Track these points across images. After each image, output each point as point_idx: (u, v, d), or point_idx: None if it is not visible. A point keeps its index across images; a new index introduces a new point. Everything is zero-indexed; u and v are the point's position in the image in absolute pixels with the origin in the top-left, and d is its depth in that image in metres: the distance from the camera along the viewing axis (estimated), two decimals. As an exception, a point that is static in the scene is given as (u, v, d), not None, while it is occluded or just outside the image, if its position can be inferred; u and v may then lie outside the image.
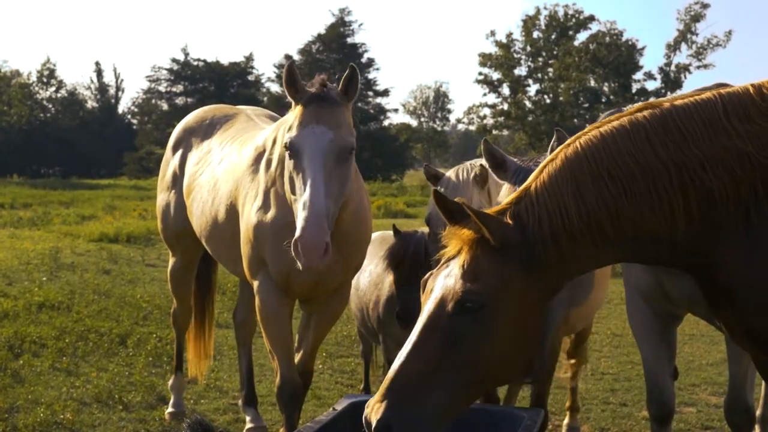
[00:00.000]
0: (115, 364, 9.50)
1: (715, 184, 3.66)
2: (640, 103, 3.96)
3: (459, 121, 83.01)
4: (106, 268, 16.16)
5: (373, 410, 3.58)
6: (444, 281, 3.70)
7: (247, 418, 7.58)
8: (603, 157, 3.72)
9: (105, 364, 9.50)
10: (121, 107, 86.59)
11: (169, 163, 7.85)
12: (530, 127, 62.49)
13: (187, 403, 8.23)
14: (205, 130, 7.59)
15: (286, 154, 5.51)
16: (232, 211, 6.51)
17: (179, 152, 7.69)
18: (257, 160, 6.37)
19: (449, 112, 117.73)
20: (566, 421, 7.86)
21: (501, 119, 65.01)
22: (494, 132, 66.22)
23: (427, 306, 3.70)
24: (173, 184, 7.69)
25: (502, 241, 3.64)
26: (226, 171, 6.76)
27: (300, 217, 5.19)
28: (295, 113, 5.59)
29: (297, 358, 6.58)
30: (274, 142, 6.28)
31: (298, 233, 5.12)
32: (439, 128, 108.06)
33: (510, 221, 3.70)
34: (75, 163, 70.44)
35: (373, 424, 3.55)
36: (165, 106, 74.49)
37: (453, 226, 3.78)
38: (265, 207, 6.09)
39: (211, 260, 8.00)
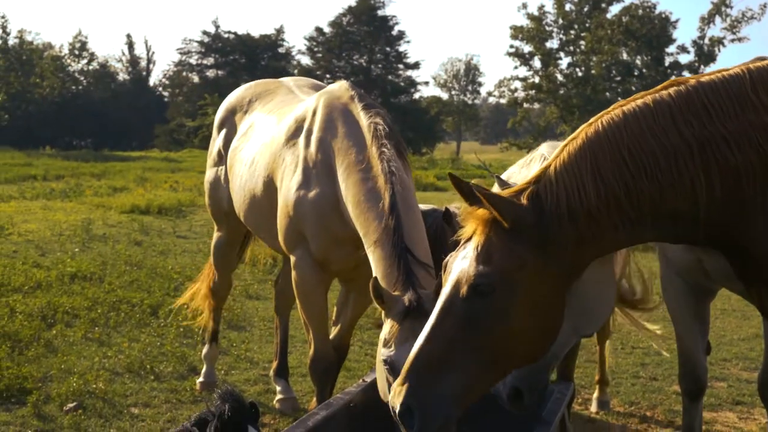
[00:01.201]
0: (146, 335, 9.57)
1: (740, 160, 3.61)
2: (666, 81, 3.91)
3: (490, 94, 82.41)
4: (138, 240, 16.26)
5: (396, 393, 3.60)
6: (460, 263, 3.69)
7: (278, 389, 7.64)
8: (624, 136, 3.68)
9: (137, 335, 9.57)
10: (153, 80, 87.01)
11: (215, 141, 7.94)
12: (561, 101, 61.95)
13: (217, 373, 8.29)
14: (247, 107, 7.65)
15: (384, 368, 4.89)
16: (270, 185, 6.53)
17: (223, 132, 7.77)
18: (297, 132, 6.37)
19: (480, 85, 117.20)
20: (596, 394, 7.85)
21: (532, 92, 64.47)
22: (525, 105, 65.79)
23: (445, 288, 3.70)
24: (219, 161, 7.78)
25: (514, 222, 3.60)
26: (263, 144, 6.77)
27: None
28: (388, 326, 4.93)
29: (333, 332, 6.63)
30: (315, 111, 6.27)
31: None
32: (470, 101, 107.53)
33: (526, 201, 3.66)
34: (107, 136, 70.77)
35: (397, 409, 3.57)
36: (196, 79, 74.62)
37: (469, 207, 3.76)
38: (306, 182, 6.09)
39: (249, 232, 8.04)
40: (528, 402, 4.70)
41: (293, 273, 6.32)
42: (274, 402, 7.55)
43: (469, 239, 3.74)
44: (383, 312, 4.92)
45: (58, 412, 7.18)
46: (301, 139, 6.24)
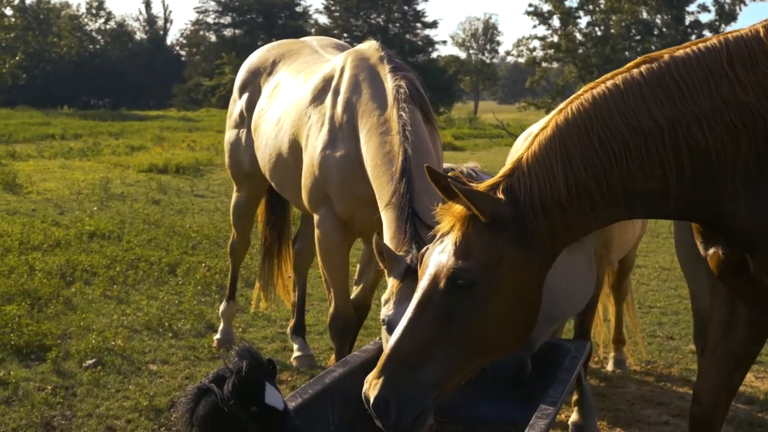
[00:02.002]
0: (164, 293, 9.62)
1: (711, 141, 3.55)
2: (639, 58, 3.81)
3: (508, 53, 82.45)
4: (156, 199, 16.31)
5: (371, 386, 3.60)
6: (438, 257, 3.66)
7: (295, 347, 7.68)
8: (593, 121, 3.61)
9: (155, 293, 9.63)
10: (170, 39, 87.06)
11: (236, 103, 7.88)
12: (580, 60, 61.50)
13: (235, 331, 8.34)
14: (271, 68, 7.56)
15: (383, 328, 4.96)
16: (296, 144, 6.50)
17: (246, 94, 7.69)
18: (324, 90, 6.33)
19: (498, 44, 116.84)
20: (612, 353, 7.85)
21: (551, 52, 63.99)
22: (544, 65, 65.41)
23: (422, 282, 3.68)
24: (241, 123, 7.74)
25: (492, 217, 3.57)
26: (290, 103, 6.73)
27: None
28: (389, 285, 4.98)
29: (355, 291, 6.65)
30: (342, 71, 6.24)
31: None
32: (488, 61, 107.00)
33: (501, 195, 3.62)
34: (124, 95, 70.78)
35: (371, 401, 3.57)
36: (213, 38, 74.52)
37: (446, 202, 3.73)
38: (332, 142, 6.07)
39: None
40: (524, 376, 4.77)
41: (316, 231, 6.31)
42: (291, 359, 7.59)
43: (446, 234, 3.70)
44: (386, 272, 4.93)
45: (77, 368, 7.24)
46: (328, 99, 6.21)
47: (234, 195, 8.18)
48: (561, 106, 3.79)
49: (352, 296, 6.60)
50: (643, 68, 3.70)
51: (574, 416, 6.23)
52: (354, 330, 6.48)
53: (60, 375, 7.08)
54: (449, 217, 3.69)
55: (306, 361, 7.56)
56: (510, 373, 4.77)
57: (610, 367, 7.76)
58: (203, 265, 10.79)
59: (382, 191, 5.47)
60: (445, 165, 6.80)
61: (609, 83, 3.70)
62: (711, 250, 4.01)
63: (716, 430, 4.57)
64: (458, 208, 3.66)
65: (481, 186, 3.71)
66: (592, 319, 6.27)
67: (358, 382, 4.62)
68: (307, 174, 6.24)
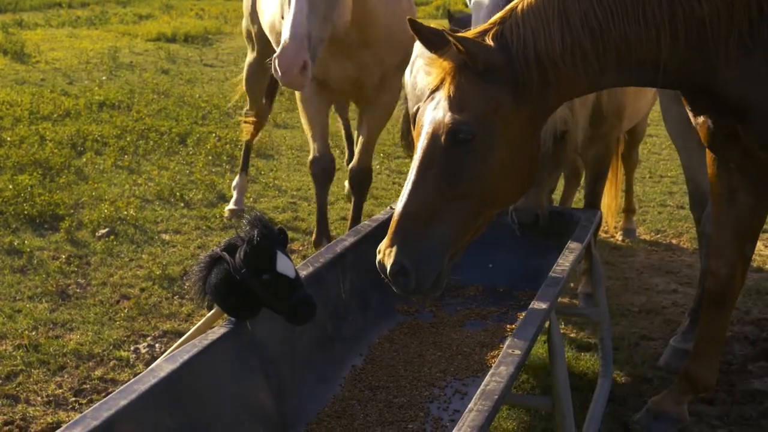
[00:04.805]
0: (175, 163, 9.64)
1: (706, 9, 3.47)
2: None
3: None
4: (165, 68, 16.17)
5: (385, 255, 3.58)
6: (432, 114, 3.57)
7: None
8: None
9: (166, 163, 9.64)
10: None
11: None
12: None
13: (246, 201, 8.38)
14: None
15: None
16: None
17: None
18: None
19: None
20: (622, 222, 7.88)
21: None
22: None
23: (420, 142, 3.59)
24: None
25: (485, 63, 3.48)
26: None
27: (282, 37, 5.17)
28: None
29: (356, 155, 6.68)
30: None
31: (278, 51, 5.12)
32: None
33: (491, 42, 3.54)
34: (130, -38, 69.70)
35: (388, 269, 3.55)
36: None
37: (434, 56, 3.64)
38: None
39: None
40: (542, 223, 4.81)
41: (297, 95, 6.54)
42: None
43: (436, 89, 3.64)
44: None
45: (90, 237, 7.31)
46: None
47: (247, 58, 8.18)
48: None
49: (352, 164, 6.72)
50: None
51: (582, 285, 6.29)
52: (332, 173, 6.56)
53: (73, 244, 7.16)
54: (439, 70, 3.62)
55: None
56: (530, 219, 4.83)
57: (619, 236, 7.80)
58: (213, 135, 10.77)
59: None
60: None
61: None
62: (700, 119, 3.99)
63: (732, 302, 4.63)
64: (446, 62, 3.60)
65: (469, 34, 3.65)
66: (603, 188, 6.26)
67: (369, 250, 4.67)
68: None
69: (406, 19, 3.77)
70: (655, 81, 3.73)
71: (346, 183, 8.01)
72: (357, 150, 6.73)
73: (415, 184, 3.57)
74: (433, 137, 3.54)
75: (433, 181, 3.54)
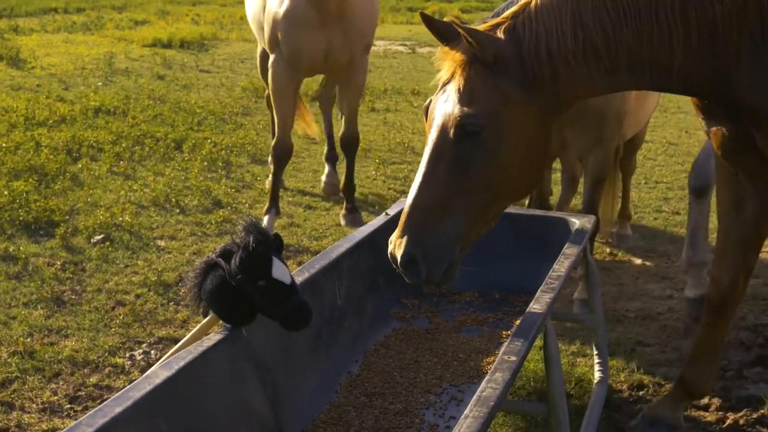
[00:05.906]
0: (171, 169, 9.63)
1: (718, 11, 3.46)
2: None
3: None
4: (160, 74, 16.16)
5: (396, 246, 3.60)
6: (443, 107, 3.59)
7: (325, 171, 9.20)
8: None
9: (161, 169, 9.63)
10: None
11: None
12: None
13: (242, 207, 8.38)
14: None
15: None
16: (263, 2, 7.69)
17: None
18: None
19: None
20: (618, 228, 7.88)
21: None
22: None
23: (431, 135, 3.62)
24: None
25: (494, 56, 3.49)
26: None
27: None
28: None
29: (342, 126, 8.15)
30: None
31: None
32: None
33: (503, 35, 3.55)
34: (126, -32, 69.69)
35: (399, 259, 3.57)
36: None
37: (444, 48, 3.65)
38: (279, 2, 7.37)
39: None
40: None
41: (270, 71, 7.62)
42: (321, 186, 9.06)
43: (447, 82, 3.64)
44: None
45: (85, 244, 7.30)
46: None
47: (257, 50, 9.02)
48: None
49: (341, 132, 8.16)
50: None
51: (578, 291, 6.29)
52: (288, 158, 7.91)
53: (69, 250, 7.15)
54: (449, 63, 3.63)
55: (330, 188, 8.98)
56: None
57: (615, 242, 7.80)
58: (209, 141, 10.76)
59: None
60: None
61: None
62: (714, 128, 3.98)
63: (732, 310, 4.62)
64: (458, 54, 3.61)
65: (481, 27, 3.66)
66: (601, 193, 6.27)
67: (365, 256, 4.67)
68: (267, 23, 7.49)
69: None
70: (668, 85, 3.72)
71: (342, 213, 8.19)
72: (343, 121, 8.15)
73: (425, 176, 3.59)
74: (443, 130, 3.56)
75: (443, 173, 3.56)
